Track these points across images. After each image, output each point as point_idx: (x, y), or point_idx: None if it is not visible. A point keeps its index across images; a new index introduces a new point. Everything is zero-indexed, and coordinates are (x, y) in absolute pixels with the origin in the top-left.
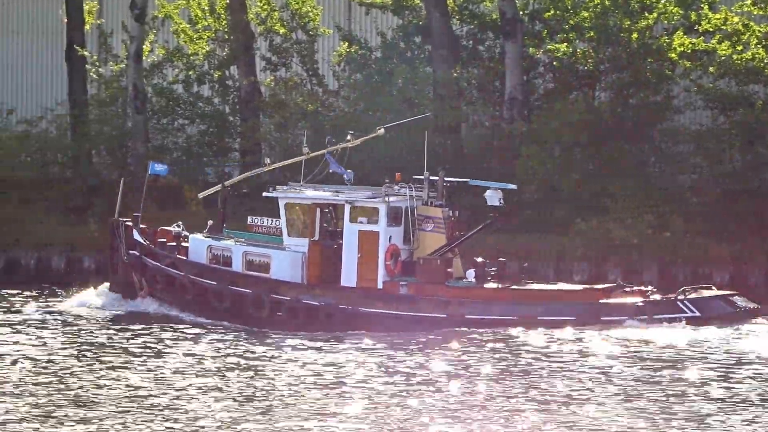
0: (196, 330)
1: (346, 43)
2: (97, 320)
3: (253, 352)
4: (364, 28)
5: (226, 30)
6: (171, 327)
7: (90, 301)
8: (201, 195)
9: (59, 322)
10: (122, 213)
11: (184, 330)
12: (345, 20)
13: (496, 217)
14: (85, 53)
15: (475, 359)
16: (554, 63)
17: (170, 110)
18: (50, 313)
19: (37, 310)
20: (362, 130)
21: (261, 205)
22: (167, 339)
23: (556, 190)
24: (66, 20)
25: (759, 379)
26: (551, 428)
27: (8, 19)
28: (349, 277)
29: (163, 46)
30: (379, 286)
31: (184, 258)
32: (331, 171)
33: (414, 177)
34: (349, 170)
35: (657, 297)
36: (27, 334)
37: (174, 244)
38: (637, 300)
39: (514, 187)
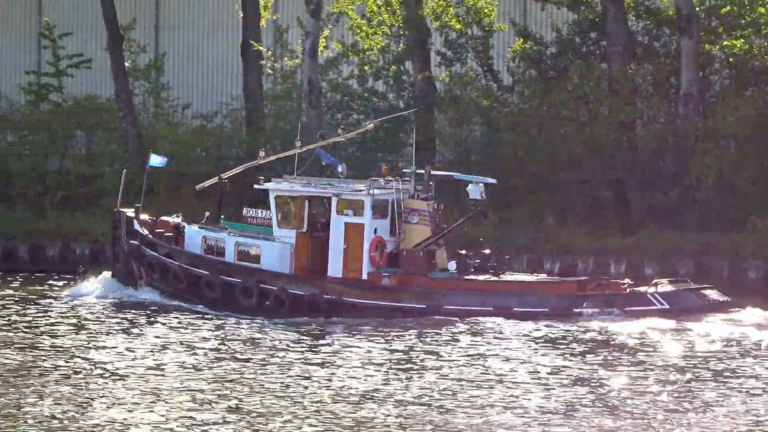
0: (186, 317)
1: (521, 39)
2: (93, 307)
3: (232, 339)
4: (539, 24)
5: (401, 25)
6: (162, 314)
7: (92, 288)
8: (198, 187)
9: (58, 307)
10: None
11: (173, 317)
12: (520, 15)
13: (478, 210)
14: (261, 48)
15: (439, 347)
16: (730, 59)
17: (345, 105)
18: (53, 299)
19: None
20: (537, 127)
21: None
22: (152, 324)
23: (730, 187)
24: (242, 15)
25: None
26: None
27: (185, 14)
28: (335, 267)
29: (339, 41)
30: (364, 276)
31: (180, 248)
32: (324, 164)
33: (403, 170)
34: (342, 163)
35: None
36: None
37: (170, 234)
38: (609, 293)
39: (493, 181)
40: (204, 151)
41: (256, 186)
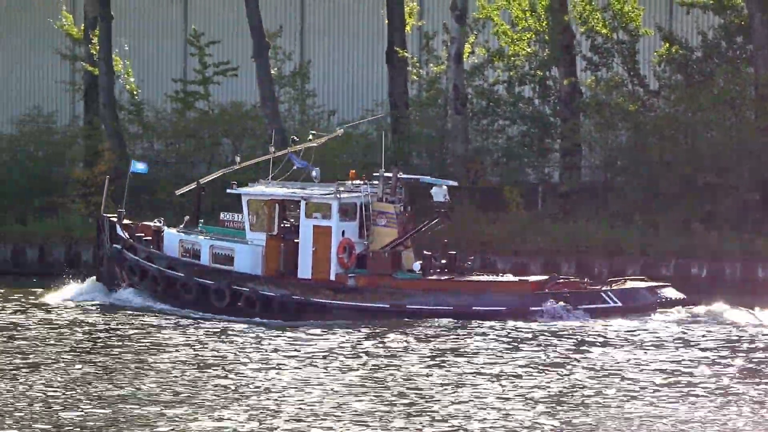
0: (160, 319)
1: (667, 43)
2: (76, 310)
3: (200, 340)
4: (685, 28)
5: (546, 31)
6: (138, 316)
7: (77, 291)
8: (178, 192)
9: (42, 312)
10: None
11: (148, 319)
12: (666, 20)
13: (442, 212)
14: (406, 55)
15: (400, 345)
16: None
17: (490, 111)
18: (40, 305)
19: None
20: (681, 131)
21: None
22: (125, 327)
23: None
24: (387, 22)
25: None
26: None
27: (330, 21)
28: (305, 269)
29: (484, 47)
30: (332, 278)
31: (158, 252)
32: (296, 168)
33: (374, 174)
34: (316, 167)
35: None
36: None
37: (150, 238)
38: (565, 292)
39: (454, 183)
40: (350, 158)
41: (228, 190)
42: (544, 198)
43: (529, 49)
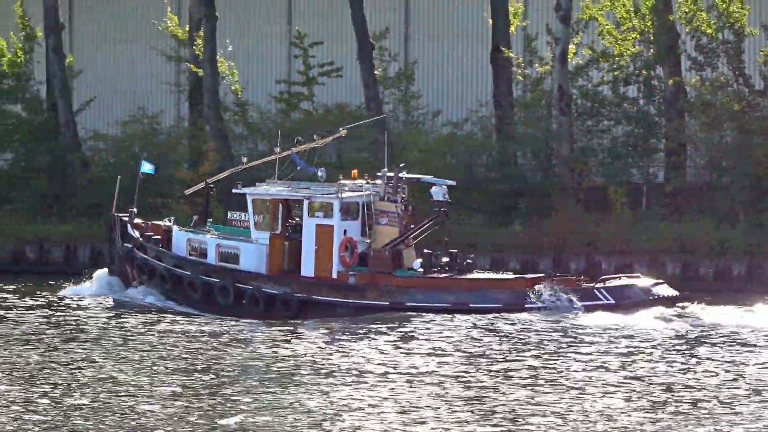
0: (167, 316)
1: None
2: (87, 307)
3: (203, 338)
4: None
5: (651, 31)
6: (147, 313)
7: (89, 289)
8: (187, 192)
9: (61, 307)
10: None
11: (155, 317)
12: None
13: (441, 211)
14: (510, 55)
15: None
16: None
17: (595, 112)
18: (48, 302)
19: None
20: None
21: None
22: (133, 324)
23: None
24: (491, 23)
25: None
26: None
27: (435, 22)
28: (308, 267)
29: (589, 47)
30: (334, 276)
31: (166, 250)
32: (299, 169)
33: (377, 174)
34: (322, 167)
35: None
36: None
37: (158, 237)
38: (559, 288)
39: (453, 183)
40: (454, 158)
41: (234, 190)
42: (648, 198)
43: (633, 50)
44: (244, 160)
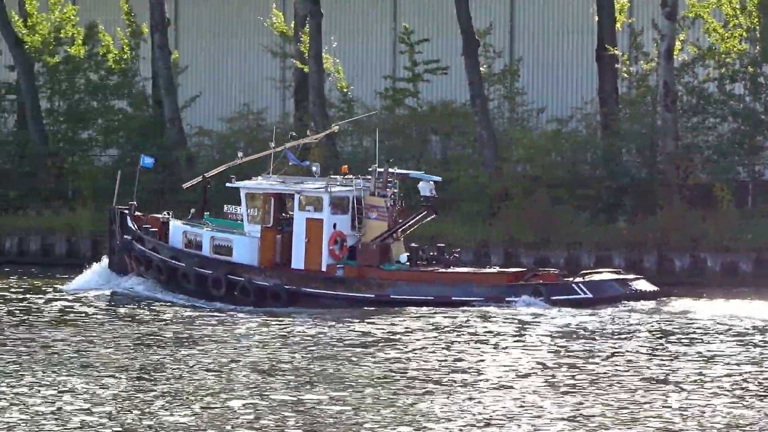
0: (160, 307)
1: None
2: (86, 298)
3: (192, 327)
4: None
5: (758, 28)
6: (141, 304)
7: (89, 279)
8: (185, 186)
9: (57, 300)
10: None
11: (148, 306)
12: None
13: (429, 206)
14: (616, 52)
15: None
16: None
17: (701, 109)
18: (50, 296)
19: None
20: None
21: None
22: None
23: None
24: (597, 19)
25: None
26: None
27: (540, 19)
28: (298, 260)
29: (694, 44)
30: (323, 268)
31: (163, 243)
32: (291, 164)
33: (369, 169)
34: (317, 163)
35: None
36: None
37: (156, 230)
38: (538, 283)
39: (439, 179)
40: (559, 155)
41: (228, 184)
42: (754, 196)
43: (740, 47)
44: (240, 155)
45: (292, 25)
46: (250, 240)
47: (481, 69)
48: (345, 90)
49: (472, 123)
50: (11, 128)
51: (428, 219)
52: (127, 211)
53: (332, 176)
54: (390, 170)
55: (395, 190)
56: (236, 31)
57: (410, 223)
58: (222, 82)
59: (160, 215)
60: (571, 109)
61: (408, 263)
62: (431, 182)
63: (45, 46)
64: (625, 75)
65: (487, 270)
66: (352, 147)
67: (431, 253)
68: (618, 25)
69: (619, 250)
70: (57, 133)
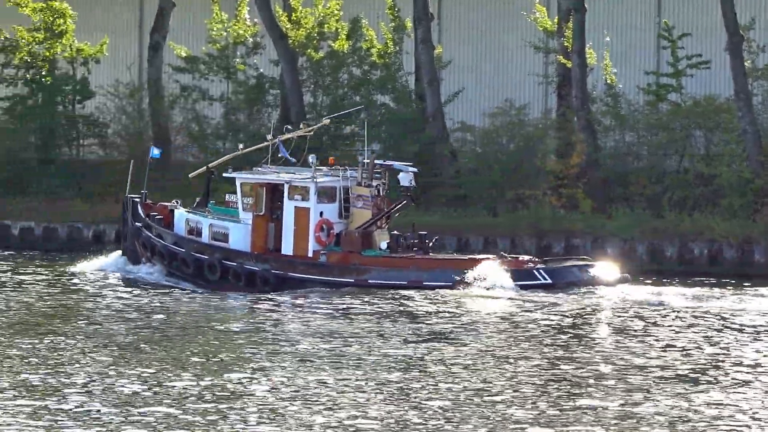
0: (162, 290)
1: None
2: (96, 282)
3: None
4: None
5: None
6: (146, 287)
7: (102, 264)
8: (190, 175)
9: (72, 282)
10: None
11: (151, 290)
12: None
13: (408, 196)
14: None
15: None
16: None
17: None
18: (67, 275)
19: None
20: None
21: None
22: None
23: None
24: None
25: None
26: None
27: None
28: (287, 246)
29: None
30: (310, 254)
31: (167, 229)
32: (279, 156)
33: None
34: (313, 154)
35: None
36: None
37: (161, 217)
38: (502, 269)
39: (416, 170)
40: None
41: (224, 174)
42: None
43: None
44: (240, 146)
45: (555, 20)
46: (245, 227)
47: (746, 64)
48: (612, 84)
49: (736, 118)
50: (274, 123)
51: (407, 208)
52: (138, 200)
53: (319, 167)
54: (376, 161)
55: (384, 181)
56: (499, 25)
57: (390, 212)
58: (484, 77)
59: (168, 203)
60: None
61: (388, 250)
62: (410, 173)
63: (309, 40)
64: None
65: (459, 256)
66: (614, 142)
67: (413, 240)
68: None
69: None
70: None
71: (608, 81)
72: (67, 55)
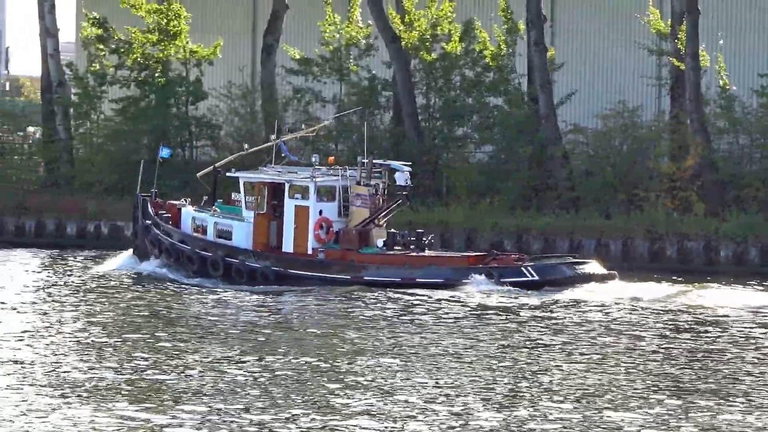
0: (168, 285)
1: None
2: (108, 277)
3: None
4: None
5: None
6: (152, 283)
7: (115, 261)
8: (198, 175)
9: (83, 281)
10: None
11: (157, 285)
12: None
13: (403, 195)
14: None
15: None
16: None
17: None
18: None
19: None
20: None
21: None
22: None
23: None
24: None
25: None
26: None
27: None
28: (287, 244)
29: None
30: (309, 252)
31: (174, 227)
32: (283, 155)
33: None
34: (315, 154)
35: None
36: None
37: (169, 215)
38: (491, 266)
39: (410, 169)
40: None
41: (228, 174)
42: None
43: None
44: (246, 146)
45: (669, 23)
46: (248, 225)
47: None
48: (726, 87)
49: None
50: (387, 124)
51: (403, 207)
52: (148, 198)
53: (317, 166)
54: (375, 161)
55: (384, 180)
56: (612, 28)
57: (387, 210)
58: (597, 79)
59: (177, 202)
60: None
61: (384, 247)
62: (406, 172)
63: (422, 42)
64: None
65: (452, 254)
66: (728, 145)
67: (410, 238)
68: None
69: None
70: (432, 130)
71: (721, 83)
72: (180, 56)
